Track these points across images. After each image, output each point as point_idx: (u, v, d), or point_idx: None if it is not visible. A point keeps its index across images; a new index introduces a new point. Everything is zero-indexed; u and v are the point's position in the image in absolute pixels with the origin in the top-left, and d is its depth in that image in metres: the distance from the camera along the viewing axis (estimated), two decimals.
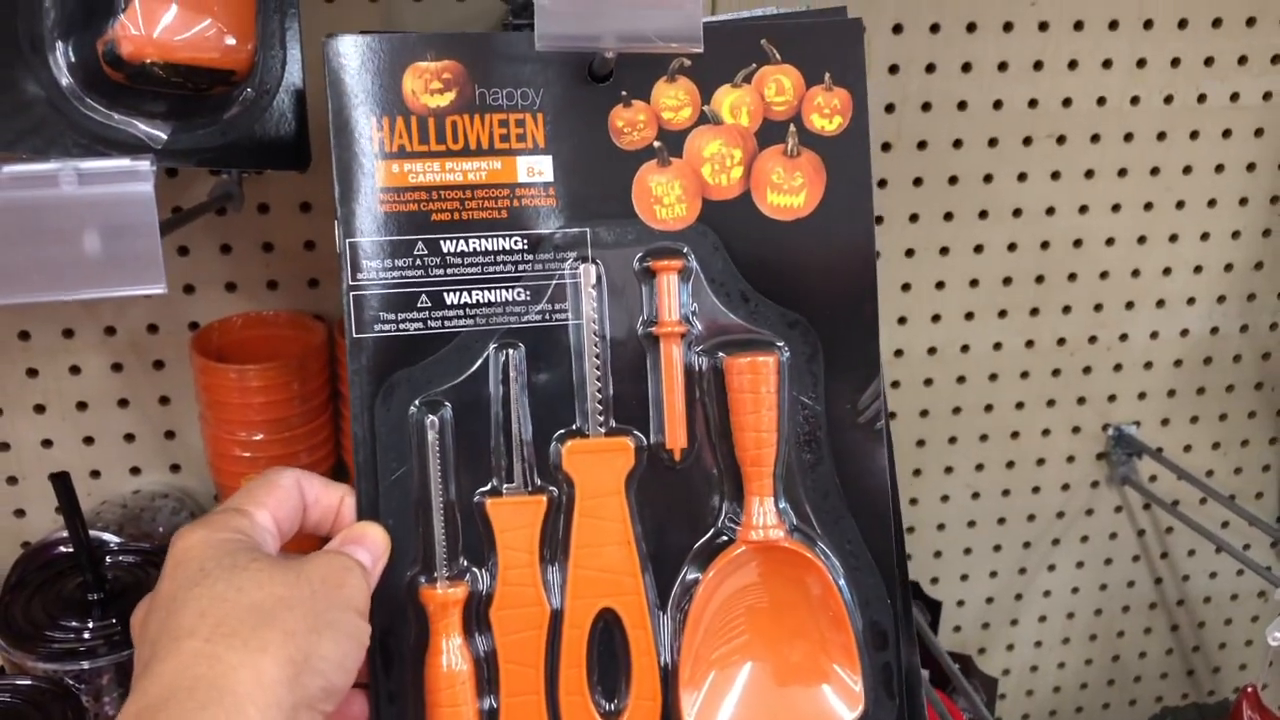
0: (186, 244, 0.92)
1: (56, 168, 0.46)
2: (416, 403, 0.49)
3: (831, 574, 0.51)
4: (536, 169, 0.50)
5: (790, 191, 0.52)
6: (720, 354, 0.51)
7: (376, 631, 0.49)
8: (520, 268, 0.50)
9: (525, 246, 0.50)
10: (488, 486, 0.50)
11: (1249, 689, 0.86)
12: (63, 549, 0.82)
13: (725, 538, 0.51)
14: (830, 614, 0.51)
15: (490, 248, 0.50)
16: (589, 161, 0.50)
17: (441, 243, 0.50)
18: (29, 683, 0.67)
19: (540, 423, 0.51)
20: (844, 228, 0.53)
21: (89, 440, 0.97)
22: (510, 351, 0.50)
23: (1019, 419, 1.07)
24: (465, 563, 0.50)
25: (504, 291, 0.50)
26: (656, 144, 0.51)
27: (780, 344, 0.52)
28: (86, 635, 0.72)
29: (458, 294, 0.50)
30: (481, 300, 0.50)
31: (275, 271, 0.94)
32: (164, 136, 0.50)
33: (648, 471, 0.51)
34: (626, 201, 0.51)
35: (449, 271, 0.50)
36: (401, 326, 0.49)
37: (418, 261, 0.49)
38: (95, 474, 0.98)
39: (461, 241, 0.50)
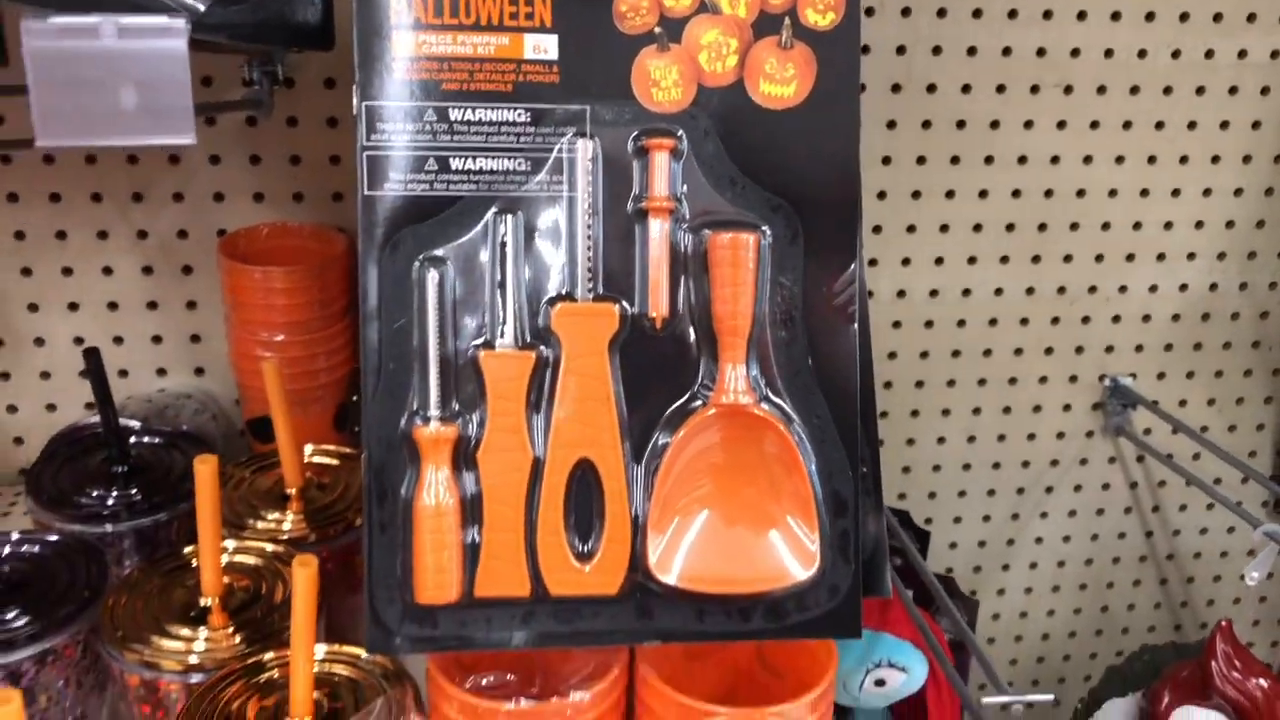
0: (218, 153, 0.97)
1: (98, 21, 0.50)
2: (419, 259, 0.53)
3: (795, 441, 0.55)
4: (542, 47, 0.53)
5: (782, 82, 0.55)
6: (705, 231, 0.55)
7: (372, 468, 0.53)
8: (522, 139, 0.54)
9: (528, 119, 0.54)
10: (481, 340, 0.54)
11: (1224, 623, 0.88)
12: (92, 430, 0.87)
13: (699, 401, 0.55)
14: (792, 478, 0.54)
15: (495, 119, 0.54)
16: (592, 43, 0.54)
17: (450, 110, 0.53)
18: (57, 538, 0.71)
19: (533, 286, 0.54)
20: (831, 120, 0.56)
21: (118, 340, 1.02)
22: (509, 217, 0.54)
23: (1017, 365, 1.10)
24: (457, 408, 0.54)
25: (506, 161, 0.54)
26: (657, 29, 0.54)
27: (763, 226, 0.55)
28: (110, 502, 0.77)
29: (463, 160, 0.53)
30: (484, 168, 0.54)
31: (301, 184, 0.99)
32: (201, 8, 0.54)
33: (630, 337, 0.54)
34: (625, 83, 0.54)
35: (455, 139, 0.53)
36: (409, 187, 0.53)
37: (427, 127, 0.53)
38: (123, 373, 1.03)
39: (468, 110, 0.53)
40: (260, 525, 0.75)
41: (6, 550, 0.69)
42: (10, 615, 0.65)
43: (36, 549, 0.70)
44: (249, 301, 0.93)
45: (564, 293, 0.54)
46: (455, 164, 0.53)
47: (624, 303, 0.54)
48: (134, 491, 0.78)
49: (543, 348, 0.54)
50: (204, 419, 1.03)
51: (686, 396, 0.55)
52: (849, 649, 0.82)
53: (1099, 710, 0.97)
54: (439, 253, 0.53)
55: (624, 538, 0.54)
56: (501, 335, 0.54)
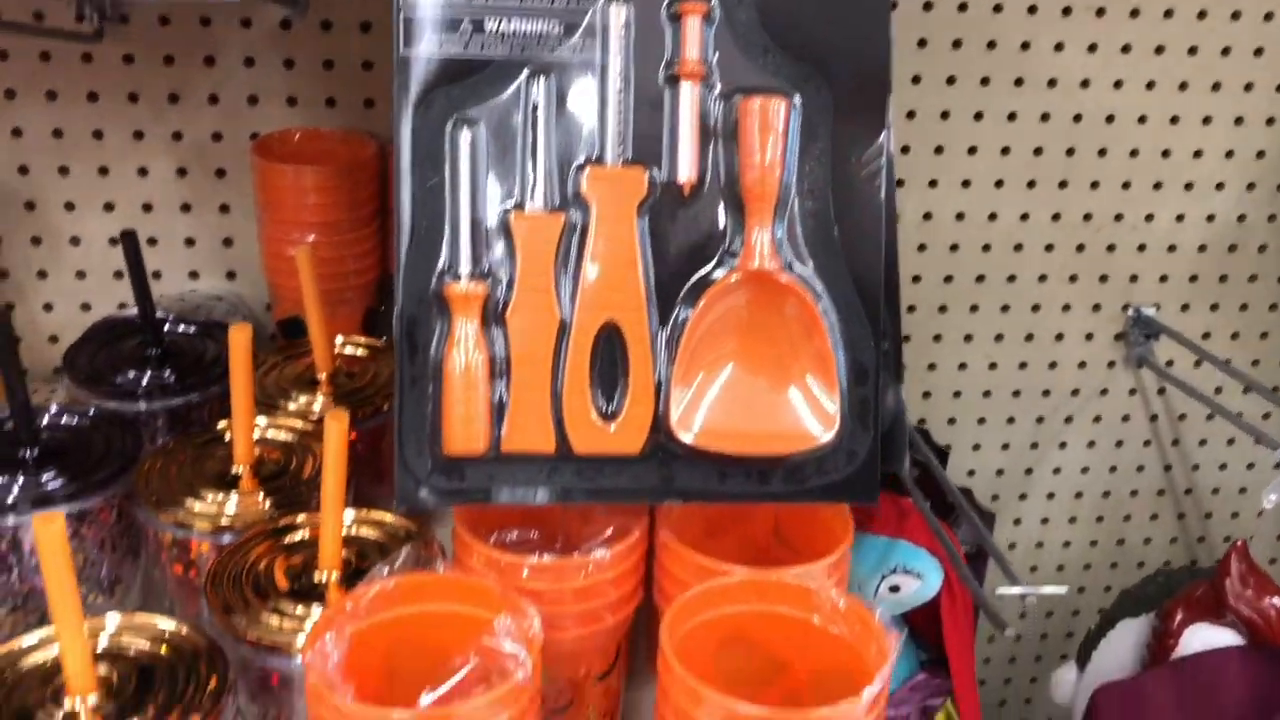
0: (252, 55, 0.98)
1: None
2: (452, 119, 0.54)
3: (818, 308, 0.55)
4: None
5: None
6: (736, 97, 0.55)
7: (404, 323, 0.54)
8: (556, 3, 0.54)
9: None
10: (512, 202, 0.55)
11: (1239, 542, 0.89)
12: (127, 319, 0.88)
13: (724, 267, 0.56)
14: (814, 343, 0.55)
15: None
16: None
17: None
18: (94, 411, 0.73)
19: (563, 149, 0.55)
20: None
21: (152, 241, 1.04)
22: (541, 80, 0.55)
23: (1040, 292, 1.10)
24: (488, 268, 0.55)
25: (539, 24, 0.54)
26: None
27: (794, 94, 0.56)
28: (144, 383, 0.79)
29: (497, 22, 0.54)
30: (518, 30, 0.54)
31: (334, 89, 1.00)
32: None
33: (659, 202, 0.55)
34: None
35: (490, 1, 0.54)
36: (443, 48, 0.54)
37: None
38: (157, 275, 1.04)
39: None
40: (291, 406, 0.77)
41: (46, 420, 0.71)
42: (48, 477, 0.67)
43: (75, 420, 0.72)
44: (281, 201, 0.95)
45: (594, 157, 0.55)
46: (489, 26, 0.54)
47: (654, 168, 0.55)
48: (167, 373, 0.80)
49: (572, 211, 0.55)
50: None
51: (713, 262, 0.56)
52: (865, 555, 0.83)
53: (1111, 629, 0.98)
54: (471, 114, 0.54)
55: (647, 399, 0.55)
56: (532, 197, 0.55)
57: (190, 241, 1.04)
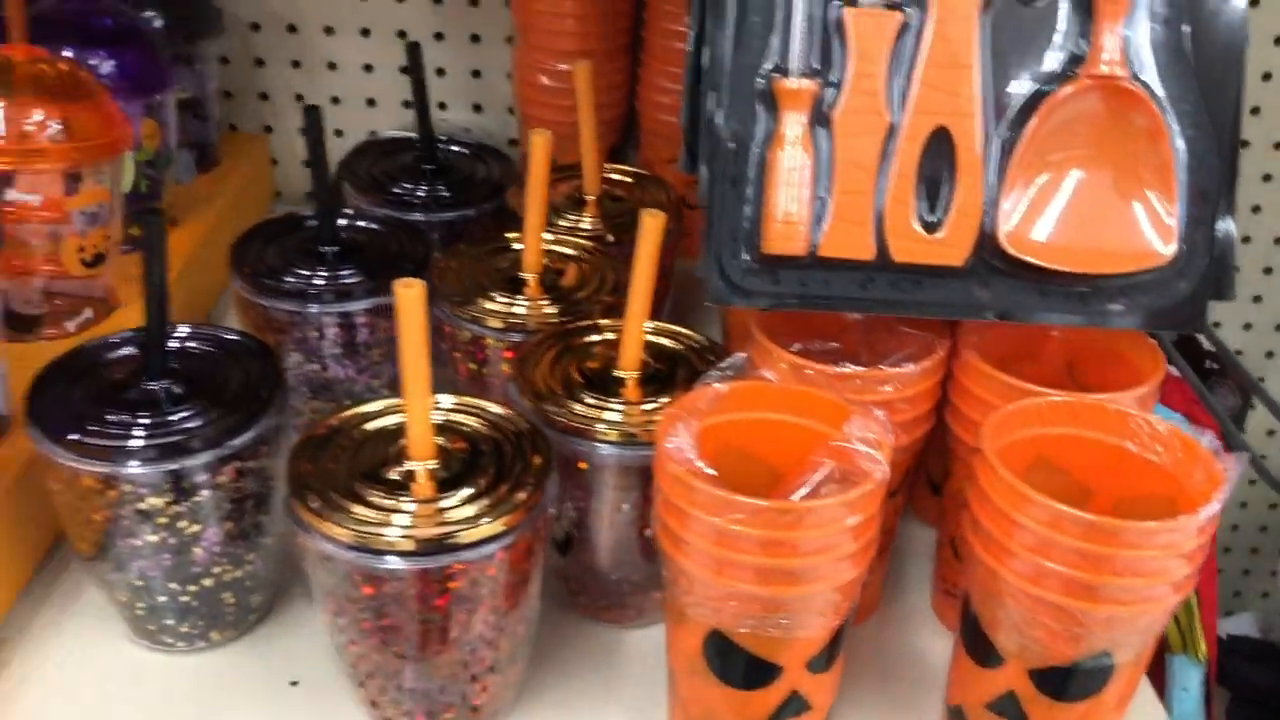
0: None
1: None
2: None
3: (1165, 123, 0.52)
4: None
5: None
6: None
7: (729, 119, 0.54)
8: None
9: None
10: None
11: None
12: (396, 138, 0.90)
13: (1067, 73, 0.53)
14: (1158, 158, 0.52)
15: None
16: None
17: None
18: (385, 217, 0.75)
19: None
20: None
21: (404, 70, 1.05)
22: None
23: None
24: (818, 65, 0.54)
25: None
26: None
27: None
28: (420, 194, 0.81)
29: None
30: None
31: None
32: None
33: (1004, 3, 0.53)
34: None
35: None
36: None
37: None
38: (406, 104, 1.07)
39: None
40: (560, 223, 0.78)
41: (343, 223, 0.74)
42: (347, 272, 0.70)
43: (368, 224, 0.75)
44: (538, 26, 0.95)
45: None
46: None
47: None
48: (441, 188, 0.82)
49: (909, 9, 0.53)
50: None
51: (1055, 67, 0.53)
52: None
53: None
54: None
55: (974, 210, 0.54)
56: None
57: (441, 71, 1.06)
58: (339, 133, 1.09)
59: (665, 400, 0.59)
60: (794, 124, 0.53)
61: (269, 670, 0.61)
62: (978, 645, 0.54)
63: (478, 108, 1.07)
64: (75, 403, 0.56)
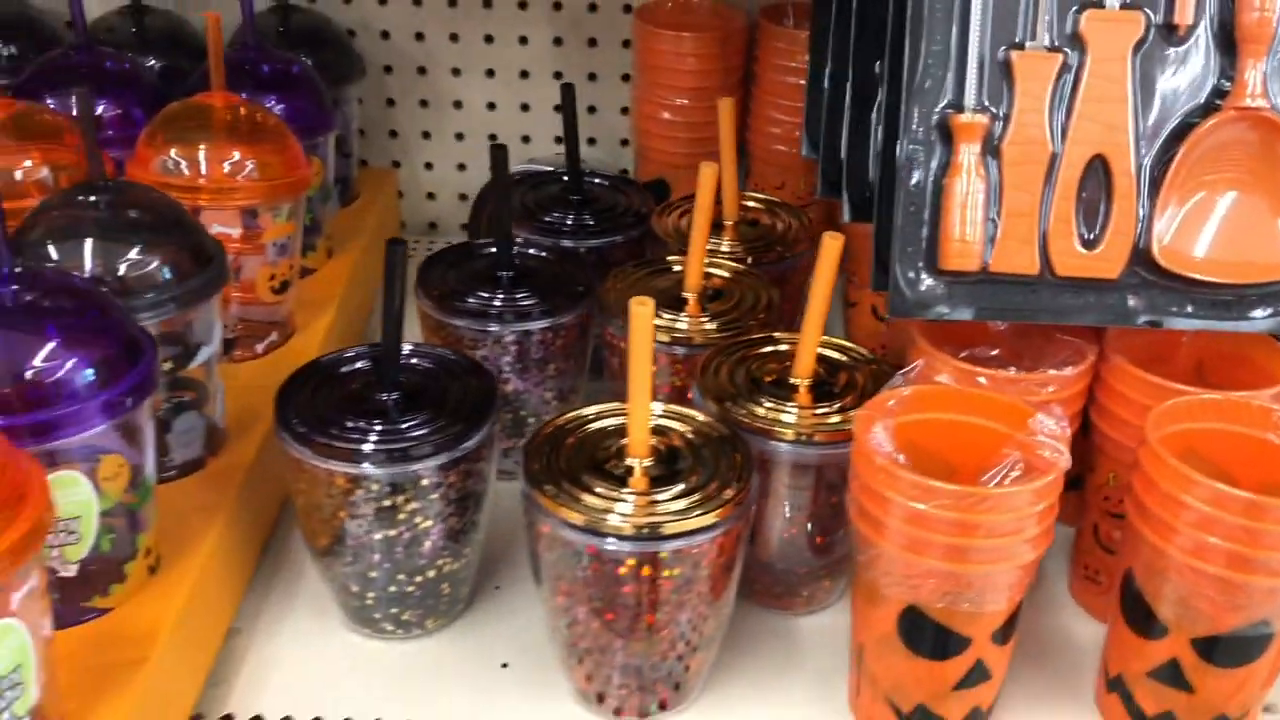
0: None
1: None
2: None
3: None
4: None
5: None
6: None
7: (908, 151, 0.60)
8: None
9: None
10: (1014, 41, 0.60)
11: None
12: (539, 171, 0.97)
13: (1212, 105, 0.60)
14: None
15: None
16: None
17: None
18: (550, 246, 0.82)
19: None
20: None
21: (525, 107, 1.13)
22: None
23: None
24: (987, 103, 0.60)
25: None
26: None
27: None
28: (569, 223, 0.88)
29: None
30: None
31: None
32: None
33: (1153, 44, 0.59)
34: None
35: None
36: None
37: None
38: (525, 139, 1.14)
39: None
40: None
41: (516, 252, 0.80)
42: (522, 296, 0.76)
43: (537, 252, 0.82)
44: (659, 65, 1.02)
45: (1093, 0, 0.59)
46: None
47: (1148, 9, 0.59)
48: (587, 217, 0.89)
49: (1067, 51, 0.60)
50: None
51: (1200, 100, 0.60)
52: None
53: None
54: None
55: (1128, 229, 0.60)
56: (1032, 38, 0.60)
57: (559, 108, 1.12)
58: (462, 166, 1.16)
59: (835, 405, 0.66)
60: (968, 154, 0.60)
61: (480, 654, 0.67)
62: (1139, 618, 0.60)
63: (592, 141, 1.14)
64: (318, 411, 0.63)
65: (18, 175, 0.76)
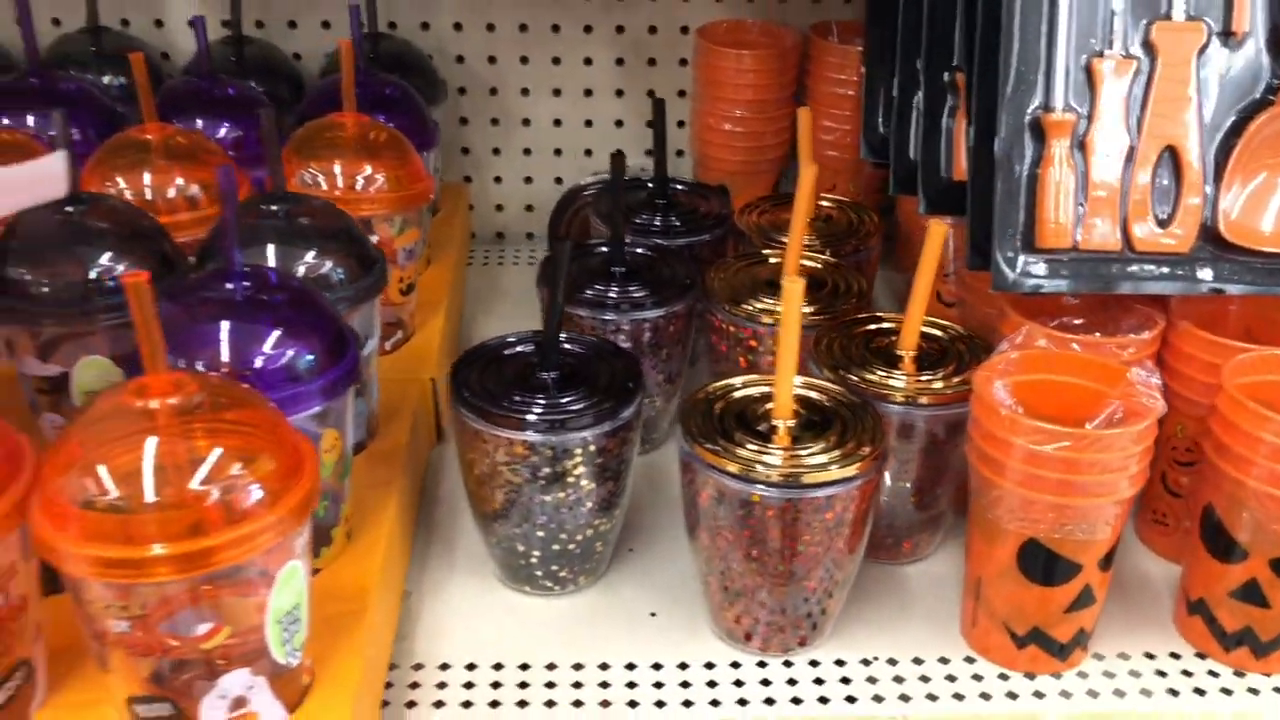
0: None
1: None
2: None
3: None
4: None
5: None
6: None
7: (1004, 148, 0.70)
8: None
9: None
10: (1093, 51, 0.69)
11: None
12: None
13: (1266, 99, 0.69)
14: None
15: None
16: None
17: None
18: (654, 245, 0.90)
19: (1136, 7, 0.69)
20: None
21: (588, 123, 1.21)
22: None
23: None
24: (1074, 103, 0.70)
25: None
26: None
27: None
28: (656, 225, 0.96)
29: None
30: None
31: None
32: None
33: (1214, 48, 0.69)
34: None
35: None
36: None
37: None
38: (588, 152, 1.23)
39: None
40: (782, 241, 0.93)
41: (626, 250, 0.88)
42: (634, 288, 0.85)
43: (644, 251, 0.90)
44: (722, 80, 1.11)
45: (1163, 13, 0.69)
46: None
47: (1209, 19, 0.69)
48: (674, 219, 0.97)
49: (1140, 57, 0.69)
50: None
51: (1256, 95, 0.69)
52: None
53: None
54: None
55: (1197, 208, 0.69)
56: (1110, 47, 0.69)
57: (619, 123, 1.21)
58: (528, 179, 1.24)
59: (939, 373, 0.74)
60: (1059, 148, 0.69)
61: (630, 605, 0.75)
62: (1220, 547, 0.69)
63: (648, 152, 1.22)
64: (489, 388, 0.71)
65: (170, 193, 0.83)
